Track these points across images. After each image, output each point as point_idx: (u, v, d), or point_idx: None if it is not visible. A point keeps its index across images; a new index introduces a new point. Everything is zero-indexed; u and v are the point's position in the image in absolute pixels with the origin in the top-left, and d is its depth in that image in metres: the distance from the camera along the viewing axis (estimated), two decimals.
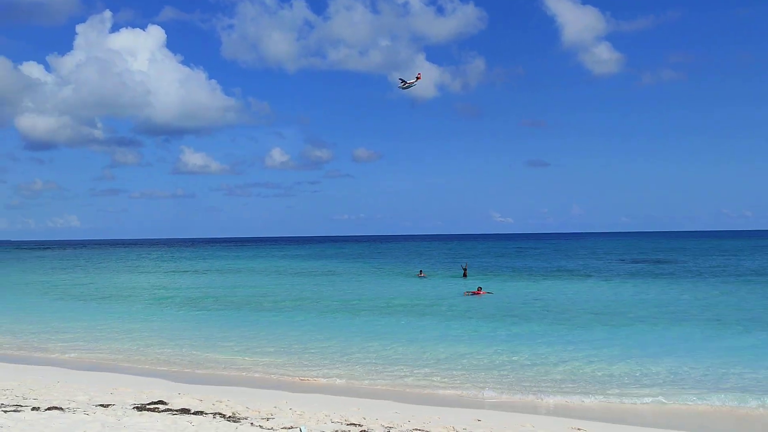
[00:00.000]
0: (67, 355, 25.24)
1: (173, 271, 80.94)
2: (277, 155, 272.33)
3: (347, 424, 12.99)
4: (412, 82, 48.07)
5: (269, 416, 13.73)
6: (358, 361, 22.99)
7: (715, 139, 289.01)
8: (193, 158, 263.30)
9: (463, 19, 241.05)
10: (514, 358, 22.99)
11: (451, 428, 12.90)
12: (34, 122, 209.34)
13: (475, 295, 44.18)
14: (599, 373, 20.35)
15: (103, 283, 63.19)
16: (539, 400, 17.33)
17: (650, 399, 17.22)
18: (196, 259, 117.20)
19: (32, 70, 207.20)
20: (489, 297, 42.96)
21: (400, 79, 48.78)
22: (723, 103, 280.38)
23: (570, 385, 18.89)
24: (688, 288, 47.19)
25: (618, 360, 22.18)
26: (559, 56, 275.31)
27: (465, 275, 59.55)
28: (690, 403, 16.84)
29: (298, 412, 14.33)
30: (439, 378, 20.19)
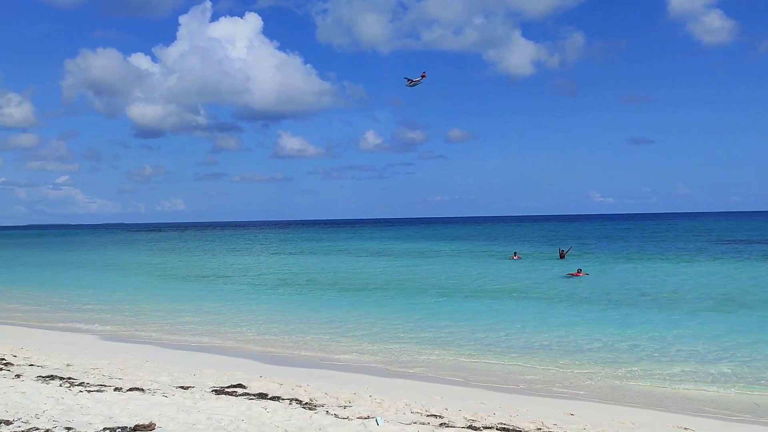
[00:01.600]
0: (158, 335, 25.81)
1: (269, 253, 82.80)
2: (371, 138, 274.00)
3: (427, 416, 12.22)
4: (418, 80, 50.43)
5: (347, 404, 13.16)
6: (446, 346, 22.14)
7: None
8: (291, 142, 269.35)
9: None
10: (613, 345, 21.44)
11: (540, 423, 11.86)
12: (143, 111, 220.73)
13: (574, 277, 42.48)
14: (709, 365, 18.53)
15: (203, 264, 65.38)
16: (640, 394, 15.89)
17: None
18: (291, 240, 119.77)
19: (140, 61, 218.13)
20: (588, 280, 40.97)
21: (405, 78, 51.64)
22: None
23: (676, 378, 17.27)
24: None
25: (731, 349, 20.21)
26: (665, 27, 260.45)
27: (562, 257, 57.33)
28: None
29: (377, 401, 13.69)
30: (529, 366, 19.04)
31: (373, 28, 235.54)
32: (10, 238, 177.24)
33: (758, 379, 16.89)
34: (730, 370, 17.82)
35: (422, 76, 50.38)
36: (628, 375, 17.67)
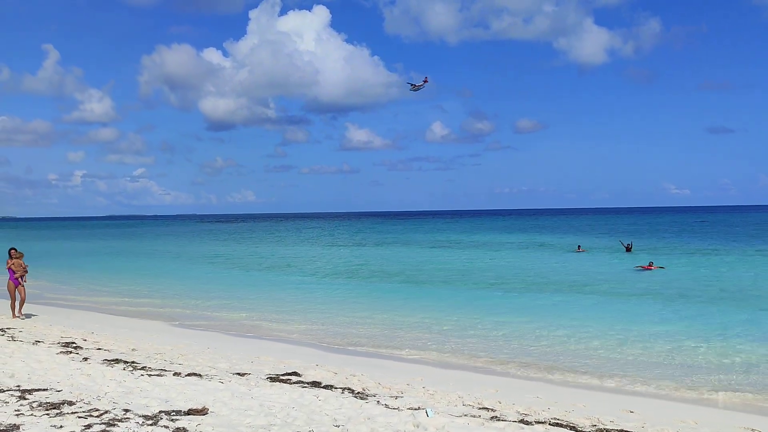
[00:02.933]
0: (223, 323, 26.40)
1: (335, 244, 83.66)
2: (438, 129, 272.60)
3: (479, 408, 12.01)
4: (420, 85, 51.97)
5: (399, 394, 13.10)
6: (507, 339, 21.77)
7: None
8: (358, 134, 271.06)
9: None
10: (681, 342, 20.57)
11: (596, 420, 11.46)
12: (215, 104, 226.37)
13: (645, 270, 41.12)
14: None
15: (270, 254, 66.66)
16: (706, 393, 15.18)
17: None
18: (356, 232, 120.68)
19: (212, 56, 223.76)
20: (659, 274, 39.55)
21: (408, 83, 53.77)
22: None
23: (748, 378, 16.42)
24: None
25: None
26: (748, 10, 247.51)
27: (629, 249, 55.52)
28: None
29: (430, 392, 13.57)
30: (590, 361, 18.50)
31: (440, 18, 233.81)
32: (92, 228, 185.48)
33: None
34: None
35: (424, 81, 52.06)
36: (693, 374, 16.92)
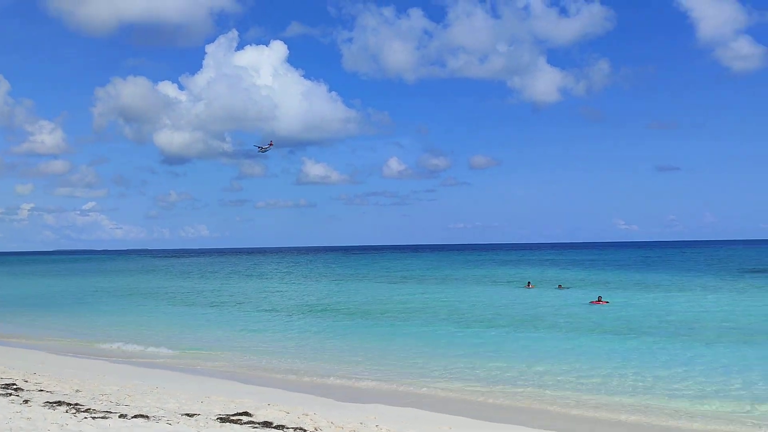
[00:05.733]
0: (173, 360, 25.80)
1: (289, 279, 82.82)
2: (395, 164, 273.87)
3: None
4: (266, 148, 59.89)
5: (353, 431, 12.95)
6: (459, 376, 21.82)
7: None
8: (315, 169, 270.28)
9: (588, 20, 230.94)
10: (628, 375, 20.97)
11: None
12: (171, 138, 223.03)
13: (594, 305, 41.93)
14: (732, 399, 18.03)
15: (223, 289, 65.54)
16: (653, 426, 15.47)
17: None
18: (312, 266, 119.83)
19: (168, 89, 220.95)
20: (607, 309, 40.30)
21: (255, 146, 61.85)
22: None
23: (704, 412, 16.80)
24: None
25: (752, 384, 19.65)
26: (693, 54, 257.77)
27: (560, 287, 56.68)
28: None
29: (383, 430, 13.46)
30: (544, 397, 18.66)
31: (398, 56, 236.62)
32: (39, 264, 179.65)
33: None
34: (749, 406, 17.34)
35: (270, 144, 60.02)
36: (647, 407, 17.23)
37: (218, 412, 14.95)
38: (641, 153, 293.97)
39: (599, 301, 42.91)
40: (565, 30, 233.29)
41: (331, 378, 21.87)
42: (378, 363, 24.26)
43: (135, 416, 13.72)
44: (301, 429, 13.16)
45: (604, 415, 16.71)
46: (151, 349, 28.37)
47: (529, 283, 60.85)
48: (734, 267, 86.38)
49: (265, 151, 60.62)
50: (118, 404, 15.45)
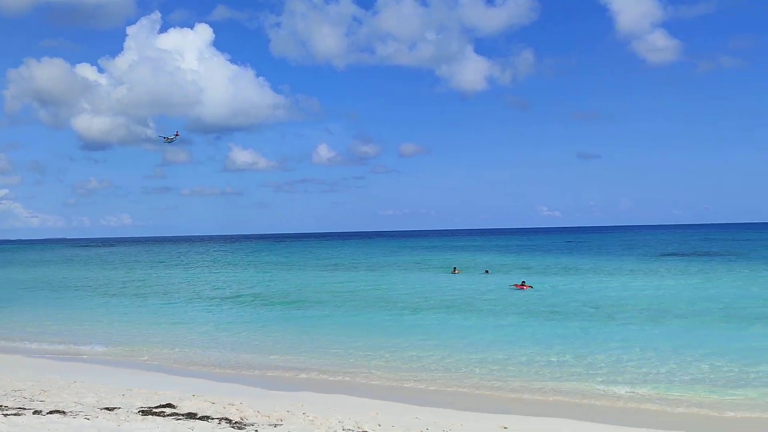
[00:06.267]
0: (92, 352, 24.97)
1: (215, 268, 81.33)
2: (324, 151, 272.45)
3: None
4: (173, 138, 58.47)
5: (278, 422, 12.87)
6: (386, 360, 22.04)
7: None
8: (242, 155, 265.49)
9: (514, 10, 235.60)
10: (551, 357, 21.67)
11: None
12: (90, 123, 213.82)
13: (518, 289, 42.96)
14: (649, 376, 18.89)
15: (146, 279, 63.75)
16: (579, 403, 16.05)
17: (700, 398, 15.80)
18: (239, 255, 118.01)
19: (87, 71, 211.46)
20: (531, 293, 41.43)
21: (161, 136, 61.17)
22: None
23: (617, 388, 17.52)
24: (740, 282, 44.63)
25: (664, 359, 20.65)
26: (612, 45, 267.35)
27: (487, 272, 57.96)
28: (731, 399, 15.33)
29: (310, 417, 13.44)
30: (468, 380, 19.05)
31: (327, 41, 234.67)
32: None
33: (691, 383, 17.29)
34: (666, 379, 18.22)
35: (176, 135, 58.63)
36: (567, 387, 17.83)
37: (140, 404, 14.56)
38: (564, 141, 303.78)
39: (523, 285, 44.01)
40: (492, 19, 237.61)
41: (260, 367, 21.68)
42: (308, 351, 24.18)
43: (51, 412, 13.21)
44: (226, 419, 12.98)
45: (527, 396, 17.19)
46: (69, 343, 27.31)
47: (455, 268, 61.82)
48: (650, 251, 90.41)
49: (171, 141, 58.98)
50: (32, 400, 14.84)
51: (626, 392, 17.15)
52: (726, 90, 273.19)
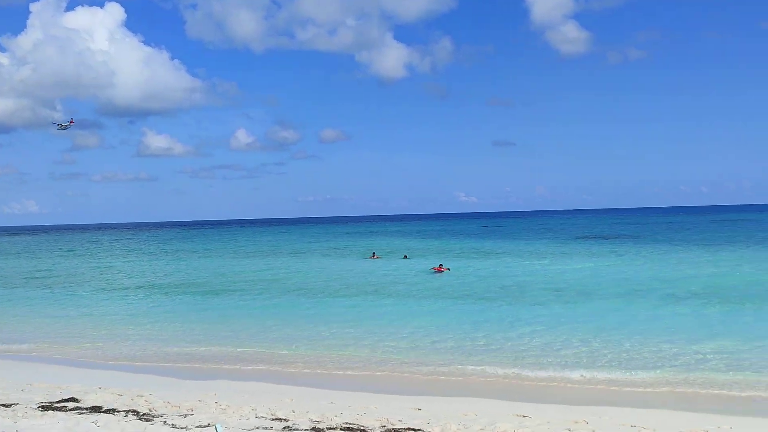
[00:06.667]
0: None
1: (128, 256, 78.57)
2: (243, 136, 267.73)
3: (272, 419, 11.86)
4: (67, 125, 57.92)
5: (189, 412, 12.52)
6: (303, 347, 21.85)
7: (675, 120, 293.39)
8: (157, 140, 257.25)
9: None
10: (467, 338, 22.08)
11: (386, 420, 11.84)
12: None
13: (436, 273, 43.67)
14: (554, 353, 19.53)
15: (54, 268, 60.83)
16: (494, 382, 16.42)
17: (596, 375, 16.48)
18: (154, 242, 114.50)
19: None
20: (448, 276, 42.15)
21: (53, 122, 61.03)
22: (687, 84, 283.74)
23: (523, 367, 18.02)
24: (644, 263, 46.92)
25: (572, 338, 21.42)
26: (527, 35, 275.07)
27: (405, 257, 58.51)
28: (632, 377, 16.09)
29: (222, 406, 13.14)
30: (385, 363, 19.16)
31: (245, 25, 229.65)
32: None
33: (591, 362, 17.99)
34: (573, 359, 18.89)
35: (71, 122, 58.33)
36: (481, 368, 18.17)
37: (40, 400, 13.85)
38: (481, 128, 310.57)
39: (440, 268, 44.75)
40: (411, 6, 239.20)
41: (174, 358, 21.04)
42: (224, 340, 23.67)
43: None
44: (133, 411, 12.52)
45: (444, 378, 17.44)
46: None
47: (374, 253, 62.11)
48: (563, 235, 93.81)
49: (65, 128, 57.04)
50: None
51: (540, 372, 17.65)
52: (633, 81, 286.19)
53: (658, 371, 17.12)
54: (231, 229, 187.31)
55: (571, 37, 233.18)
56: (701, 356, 18.47)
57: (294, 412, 12.58)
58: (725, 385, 15.66)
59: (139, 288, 42.15)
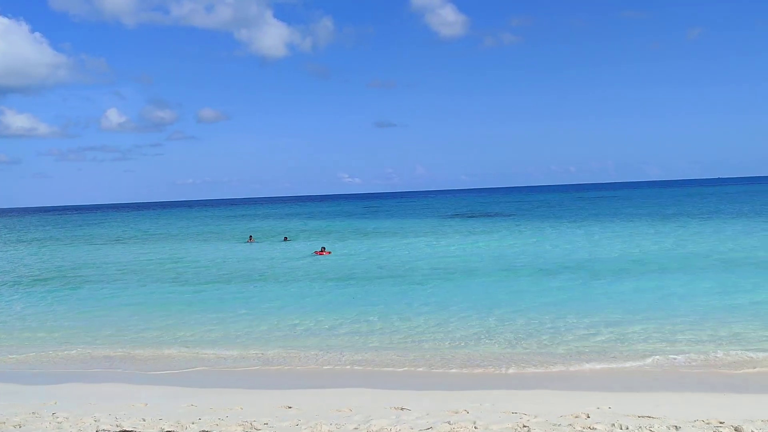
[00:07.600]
0: None
1: None
2: (114, 116, 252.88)
3: (116, 431, 10.26)
4: None
5: (16, 427, 10.66)
6: (169, 341, 20.09)
7: (546, 101, 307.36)
8: (18, 120, 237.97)
9: None
10: (346, 324, 21.16)
11: (249, 425, 10.55)
12: None
13: (318, 256, 42.54)
14: (436, 333, 18.98)
15: None
16: (374, 371, 15.54)
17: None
18: (12, 231, 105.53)
19: None
20: (330, 259, 41.12)
21: None
22: (557, 67, 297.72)
23: (401, 349, 17.30)
24: (515, 241, 48.13)
25: (454, 315, 21.03)
26: (407, 17, 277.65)
27: (286, 239, 57.10)
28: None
29: (59, 419, 11.33)
30: (256, 357, 17.83)
31: None
32: None
33: (470, 341, 17.59)
34: (462, 340, 18.41)
35: None
36: (356, 357, 17.27)
37: None
38: (363, 109, 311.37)
39: (322, 251, 43.67)
40: None
41: (21, 360, 18.54)
42: (80, 336, 21.37)
43: None
44: None
45: (325, 368, 16.39)
46: None
47: (251, 237, 60.08)
48: (442, 214, 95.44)
49: None
50: None
51: (424, 355, 16.99)
52: (507, 64, 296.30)
53: (543, 349, 16.94)
54: (101, 215, 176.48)
55: (449, 21, 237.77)
56: (588, 332, 18.52)
57: (144, 420, 11.03)
58: (605, 359, 15.66)
59: None
